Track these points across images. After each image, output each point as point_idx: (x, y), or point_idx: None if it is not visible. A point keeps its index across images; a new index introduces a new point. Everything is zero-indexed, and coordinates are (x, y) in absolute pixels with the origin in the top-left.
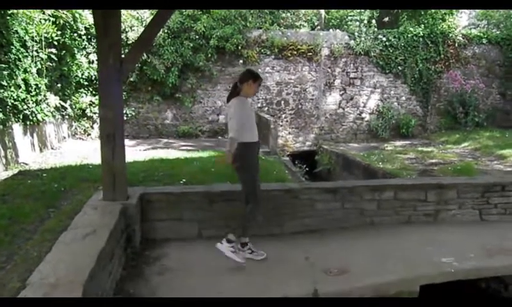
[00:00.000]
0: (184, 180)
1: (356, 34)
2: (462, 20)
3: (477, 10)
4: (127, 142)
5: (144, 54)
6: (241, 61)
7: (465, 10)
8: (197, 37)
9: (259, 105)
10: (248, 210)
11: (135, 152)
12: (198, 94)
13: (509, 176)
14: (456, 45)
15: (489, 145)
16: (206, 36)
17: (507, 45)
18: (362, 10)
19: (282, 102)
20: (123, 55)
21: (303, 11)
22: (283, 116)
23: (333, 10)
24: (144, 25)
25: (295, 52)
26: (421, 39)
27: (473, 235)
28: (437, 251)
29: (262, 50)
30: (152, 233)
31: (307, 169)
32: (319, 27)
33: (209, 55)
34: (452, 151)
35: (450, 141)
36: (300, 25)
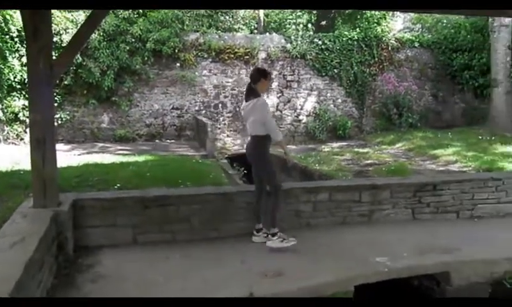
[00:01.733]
0: (118, 185)
1: (292, 37)
2: (397, 24)
3: (412, 14)
4: (61, 146)
5: (80, 57)
6: (178, 64)
7: (400, 14)
8: (133, 40)
9: (196, 108)
10: (273, 200)
11: (69, 157)
12: (134, 98)
13: (441, 175)
14: (390, 48)
15: (422, 145)
16: (142, 39)
17: (437, 48)
18: (300, 13)
19: (220, 104)
20: (54, 58)
21: (241, 14)
22: (221, 119)
23: (272, 13)
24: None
25: (232, 56)
26: (356, 42)
27: (407, 234)
28: (372, 251)
29: (199, 54)
30: (85, 240)
31: (245, 171)
32: (257, 30)
33: (146, 58)
34: (387, 151)
35: (385, 142)
36: (239, 28)
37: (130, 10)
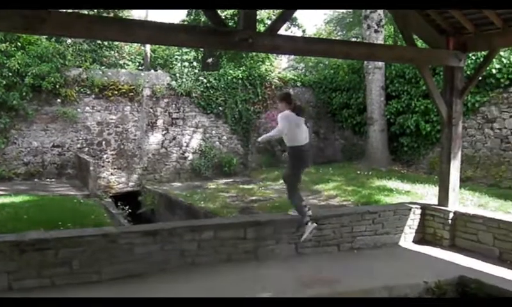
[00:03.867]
0: None
1: (178, 75)
2: (282, 63)
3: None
4: None
5: None
6: (59, 100)
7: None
8: (10, 74)
9: (79, 145)
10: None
11: None
12: (11, 135)
13: (323, 210)
14: (273, 87)
15: (305, 180)
16: (20, 73)
17: (318, 87)
18: (187, 50)
19: (103, 142)
20: None
21: (127, 49)
22: (105, 156)
23: (159, 49)
24: None
25: (116, 92)
26: (240, 81)
27: (291, 268)
28: (257, 287)
29: (82, 89)
30: None
31: (130, 210)
32: (143, 66)
33: (24, 93)
34: (271, 187)
35: (269, 178)
36: (124, 64)
37: (8, 43)
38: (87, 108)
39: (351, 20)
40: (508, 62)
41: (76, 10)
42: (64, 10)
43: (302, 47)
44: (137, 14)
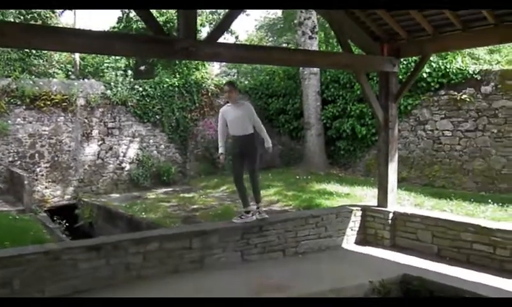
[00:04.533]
0: None
1: (112, 84)
2: (214, 69)
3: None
4: None
5: None
6: None
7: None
8: None
9: (10, 159)
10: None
11: None
12: None
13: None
14: (210, 94)
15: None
16: None
17: (255, 93)
18: (118, 58)
19: (36, 154)
20: None
21: (56, 57)
22: (38, 169)
23: (88, 57)
24: None
25: (48, 102)
26: (177, 89)
27: (238, 276)
28: (206, 297)
29: (12, 100)
30: None
31: (67, 224)
32: (73, 74)
33: None
34: (212, 195)
35: (209, 186)
36: (54, 72)
37: None
38: (18, 119)
39: (282, 25)
40: (437, 66)
41: (8, 19)
42: None
43: (242, 54)
44: (64, 21)
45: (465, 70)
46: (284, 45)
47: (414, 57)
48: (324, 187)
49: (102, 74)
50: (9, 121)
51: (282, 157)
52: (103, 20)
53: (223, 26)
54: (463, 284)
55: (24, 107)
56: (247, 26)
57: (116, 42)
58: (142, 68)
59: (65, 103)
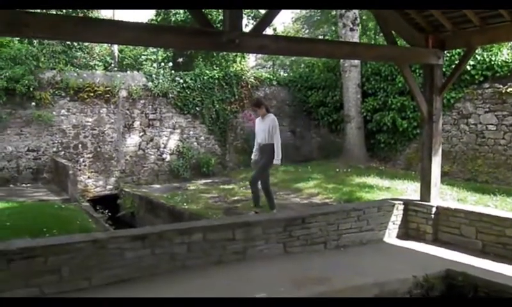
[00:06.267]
0: None
1: (153, 75)
2: (250, 61)
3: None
4: None
5: None
6: (34, 103)
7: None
8: None
9: (55, 149)
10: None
11: None
12: None
13: (307, 208)
14: (249, 86)
15: (285, 179)
16: None
17: (294, 86)
18: (155, 50)
19: (80, 145)
20: None
21: (97, 50)
22: (82, 160)
23: (126, 49)
24: None
25: (92, 94)
26: (217, 81)
27: (280, 268)
28: (249, 288)
29: (57, 92)
30: None
31: (109, 214)
32: (113, 66)
33: None
34: None
35: (249, 178)
36: (94, 64)
37: None
38: (62, 111)
39: (319, 18)
40: (482, 59)
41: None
42: (48, 12)
43: (287, 46)
44: (104, 14)
45: (511, 62)
46: (320, 37)
47: (457, 50)
48: (365, 180)
49: (140, 66)
50: (54, 113)
51: (320, 150)
52: (140, 12)
53: (267, 19)
54: (509, 280)
55: (68, 98)
56: (284, 18)
57: (166, 35)
58: (180, 60)
59: (108, 95)
